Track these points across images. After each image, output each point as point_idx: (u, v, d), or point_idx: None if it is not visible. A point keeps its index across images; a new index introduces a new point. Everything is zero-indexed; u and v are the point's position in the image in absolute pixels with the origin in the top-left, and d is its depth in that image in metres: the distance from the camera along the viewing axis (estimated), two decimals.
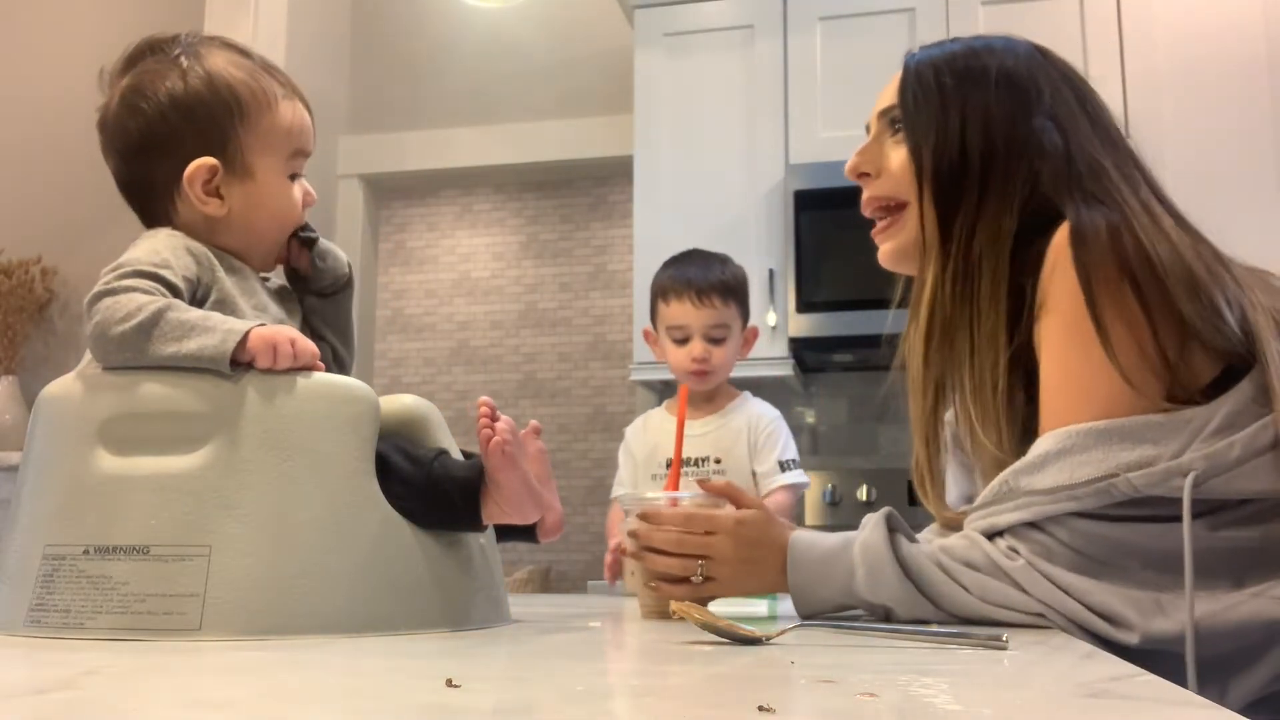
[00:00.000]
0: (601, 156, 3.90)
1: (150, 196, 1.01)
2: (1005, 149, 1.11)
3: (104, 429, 0.85)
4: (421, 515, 0.91)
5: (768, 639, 0.79)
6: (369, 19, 4.05)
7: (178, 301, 0.89)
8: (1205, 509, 0.95)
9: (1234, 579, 0.95)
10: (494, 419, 0.90)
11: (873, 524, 1.04)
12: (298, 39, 2.92)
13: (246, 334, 0.85)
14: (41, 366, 2.96)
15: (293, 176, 1.04)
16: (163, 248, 0.94)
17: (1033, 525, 0.99)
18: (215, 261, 0.97)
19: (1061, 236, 1.03)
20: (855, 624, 0.96)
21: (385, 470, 0.90)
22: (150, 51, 1.01)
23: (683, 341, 2.00)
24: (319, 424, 0.87)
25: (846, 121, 3.07)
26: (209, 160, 0.97)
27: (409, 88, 4.11)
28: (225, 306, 0.95)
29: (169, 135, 0.98)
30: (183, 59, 0.99)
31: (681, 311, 1.98)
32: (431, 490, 0.91)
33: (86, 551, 0.82)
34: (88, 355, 0.92)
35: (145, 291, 0.88)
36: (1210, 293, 0.98)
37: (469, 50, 4.09)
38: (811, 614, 1.05)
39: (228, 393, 0.85)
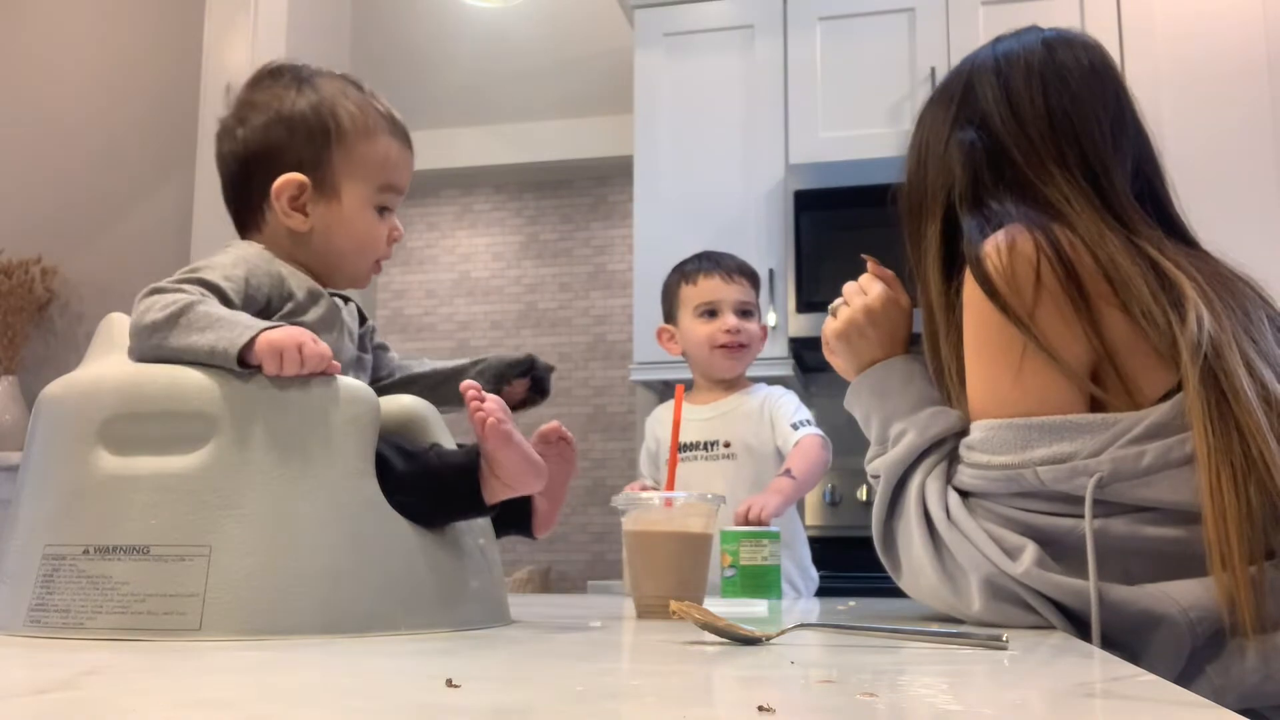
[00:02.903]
0: (601, 156, 3.91)
1: (245, 205, 1.05)
2: (929, 163, 1.17)
3: (104, 429, 0.85)
4: (424, 508, 0.91)
5: (768, 639, 0.80)
6: (369, 19, 4.05)
7: (213, 298, 0.90)
8: (1119, 510, 0.97)
9: (1126, 575, 0.97)
10: (482, 400, 0.91)
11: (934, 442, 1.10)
12: (298, 39, 2.91)
13: (255, 335, 0.85)
14: (41, 366, 2.95)
15: (383, 210, 1.07)
16: (243, 260, 0.97)
17: (964, 493, 1.05)
18: (295, 291, 0.98)
19: (990, 243, 1.05)
20: (855, 624, 0.96)
21: (383, 469, 0.90)
22: (271, 75, 1.06)
23: (712, 316, 1.97)
24: (319, 424, 0.87)
25: (846, 121, 3.07)
26: (298, 176, 1.02)
27: (409, 88, 4.11)
28: None
29: (269, 148, 1.03)
30: (296, 83, 1.05)
31: (712, 286, 1.96)
32: (431, 481, 0.91)
33: (86, 551, 0.82)
34: (88, 355, 0.92)
35: (191, 295, 0.89)
36: (1147, 303, 1.00)
37: (469, 50, 4.09)
38: (858, 399, 1.19)
39: (228, 392, 0.85)
